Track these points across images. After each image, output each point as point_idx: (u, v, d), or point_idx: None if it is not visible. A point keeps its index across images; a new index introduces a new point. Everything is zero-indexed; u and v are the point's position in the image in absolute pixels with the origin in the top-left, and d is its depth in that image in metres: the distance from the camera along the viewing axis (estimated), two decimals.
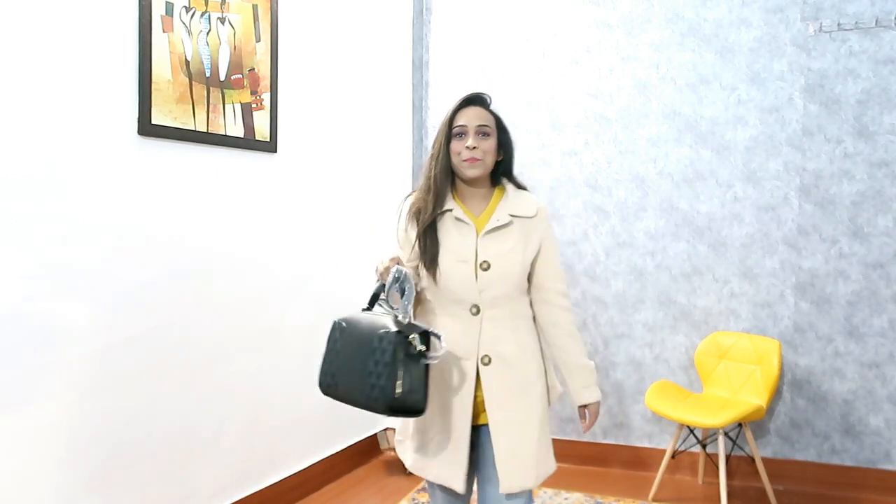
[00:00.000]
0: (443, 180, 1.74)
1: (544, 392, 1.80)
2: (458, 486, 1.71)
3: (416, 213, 1.76)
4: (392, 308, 1.68)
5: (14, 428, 1.88)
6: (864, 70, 3.04)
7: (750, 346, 3.08)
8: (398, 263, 1.67)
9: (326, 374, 1.71)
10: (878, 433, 3.07)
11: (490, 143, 1.74)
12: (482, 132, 1.73)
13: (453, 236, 1.73)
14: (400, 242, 1.83)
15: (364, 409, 1.64)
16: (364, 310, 1.74)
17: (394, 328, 1.59)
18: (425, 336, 1.62)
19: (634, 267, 3.40)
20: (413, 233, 1.76)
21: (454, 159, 1.74)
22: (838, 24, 3.05)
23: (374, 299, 1.75)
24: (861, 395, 3.09)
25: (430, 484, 1.84)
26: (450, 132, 1.74)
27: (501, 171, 1.83)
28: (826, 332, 3.13)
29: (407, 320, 1.61)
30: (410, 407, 1.60)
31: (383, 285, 1.70)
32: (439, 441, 1.74)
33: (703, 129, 3.27)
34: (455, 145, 1.73)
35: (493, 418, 1.71)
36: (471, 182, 1.77)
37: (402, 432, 1.85)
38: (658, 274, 3.36)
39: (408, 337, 1.58)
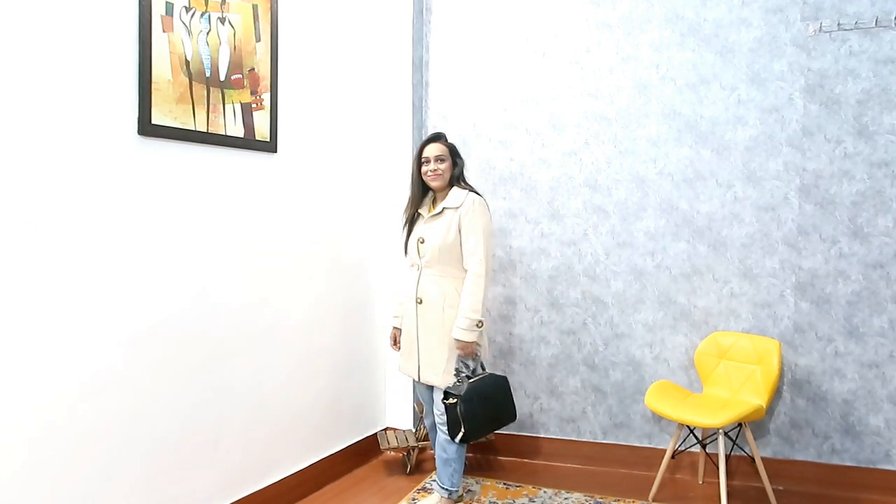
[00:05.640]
0: (417, 194, 2.88)
1: (441, 322, 2.74)
2: (415, 375, 2.86)
3: (405, 212, 2.95)
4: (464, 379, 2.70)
5: (14, 428, 1.88)
6: (864, 70, 3.04)
7: (750, 346, 3.08)
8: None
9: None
10: (878, 433, 3.07)
11: (446, 165, 2.81)
12: (439, 159, 2.81)
13: (418, 224, 2.88)
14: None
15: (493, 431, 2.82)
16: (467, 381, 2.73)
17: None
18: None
19: (634, 267, 3.40)
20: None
21: (424, 178, 2.83)
22: (838, 24, 3.05)
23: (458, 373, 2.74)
24: (861, 395, 3.09)
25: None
26: (419, 161, 2.84)
27: (454, 179, 2.85)
28: (826, 332, 3.13)
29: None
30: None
31: (465, 364, 2.74)
32: (406, 353, 2.91)
33: (703, 129, 3.27)
34: (423, 168, 2.82)
35: (420, 337, 2.82)
36: (437, 189, 2.85)
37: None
38: (658, 274, 3.36)
39: (460, 386, 2.68)
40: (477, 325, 2.65)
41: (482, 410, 2.65)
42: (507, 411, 2.79)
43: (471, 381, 2.67)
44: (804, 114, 3.13)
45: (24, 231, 1.89)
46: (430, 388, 2.87)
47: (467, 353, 2.69)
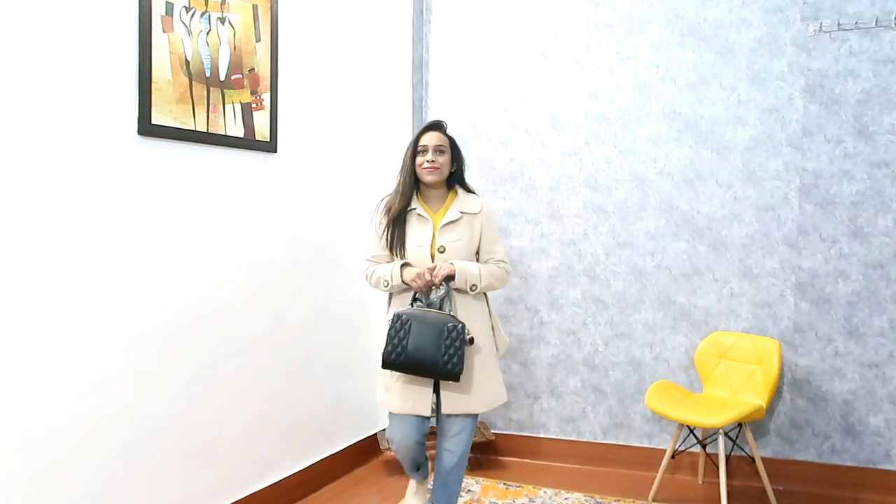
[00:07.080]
0: (409, 185, 2.41)
1: (489, 343, 2.41)
2: (426, 411, 2.36)
3: (389, 210, 2.43)
4: (428, 306, 2.33)
5: (14, 428, 1.88)
6: (864, 70, 3.04)
7: (750, 346, 3.08)
8: (445, 281, 2.32)
9: (393, 352, 2.28)
10: (878, 433, 3.07)
11: (445, 158, 2.41)
12: (439, 150, 2.39)
13: (416, 228, 2.40)
14: (378, 233, 2.46)
15: (428, 376, 2.28)
16: (411, 305, 2.35)
17: (457, 324, 2.24)
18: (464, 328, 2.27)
19: (634, 267, 3.40)
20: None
21: (418, 170, 2.40)
22: (838, 24, 3.05)
23: (413, 299, 2.36)
24: (861, 395, 3.09)
25: (391, 417, 2.43)
26: (415, 150, 2.40)
27: (455, 179, 2.49)
28: (826, 332, 3.13)
29: (456, 318, 2.28)
30: (458, 375, 2.25)
31: (420, 289, 2.33)
32: (406, 383, 2.37)
33: (703, 129, 3.27)
34: (419, 159, 2.39)
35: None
36: (431, 185, 2.43)
37: (380, 386, 2.48)
38: (658, 274, 3.36)
39: (464, 330, 2.25)
40: (471, 289, 2.35)
41: (417, 341, 2.25)
42: (437, 364, 2.23)
43: (418, 306, 2.34)
44: (804, 114, 3.13)
45: (24, 231, 1.89)
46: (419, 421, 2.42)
47: (439, 275, 2.30)
